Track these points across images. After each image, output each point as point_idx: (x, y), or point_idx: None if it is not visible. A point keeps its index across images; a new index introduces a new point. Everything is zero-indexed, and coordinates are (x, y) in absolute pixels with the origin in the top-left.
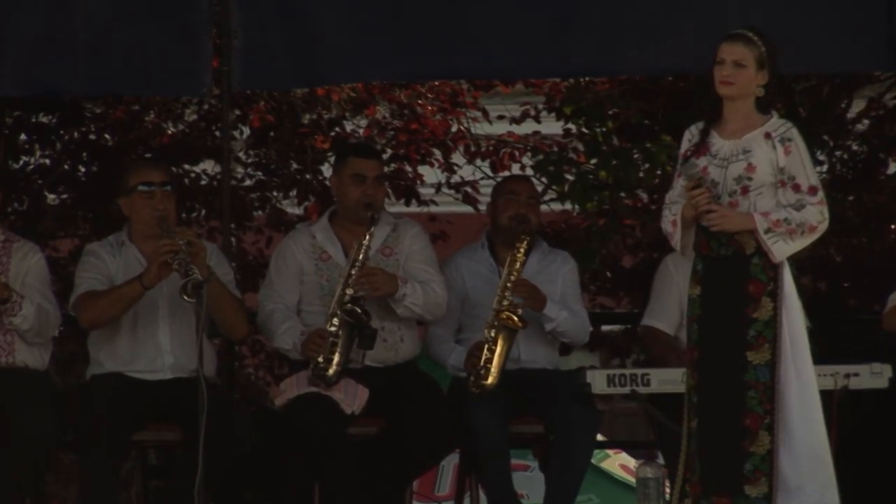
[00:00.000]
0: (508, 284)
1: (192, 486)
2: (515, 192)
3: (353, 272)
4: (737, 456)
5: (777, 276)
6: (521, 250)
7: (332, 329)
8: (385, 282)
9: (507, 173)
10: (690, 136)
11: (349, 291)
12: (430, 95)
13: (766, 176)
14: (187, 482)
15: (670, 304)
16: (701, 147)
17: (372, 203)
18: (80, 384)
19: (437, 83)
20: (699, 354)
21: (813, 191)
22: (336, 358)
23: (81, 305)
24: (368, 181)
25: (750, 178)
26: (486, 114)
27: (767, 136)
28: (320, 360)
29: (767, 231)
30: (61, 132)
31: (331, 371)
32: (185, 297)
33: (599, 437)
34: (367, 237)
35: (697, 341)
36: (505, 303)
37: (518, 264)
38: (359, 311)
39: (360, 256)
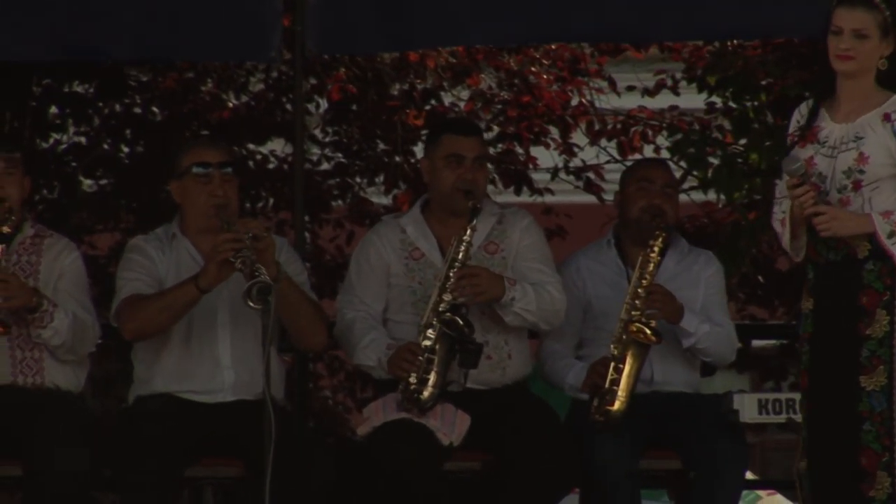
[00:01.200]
0: (639, 290)
1: None
2: (649, 179)
3: (451, 274)
4: (854, 502)
5: (894, 284)
6: (656, 249)
7: (427, 343)
8: (490, 284)
9: (637, 156)
10: (799, 116)
11: (447, 297)
12: (545, 62)
13: (881, 168)
14: None
15: None
16: (808, 132)
17: (472, 189)
18: (121, 409)
19: (553, 47)
20: (810, 381)
21: None
22: (432, 378)
23: (124, 313)
24: (467, 163)
25: (862, 171)
26: (613, 84)
27: (886, 117)
28: (412, 380)
29: (892, 235)
30: (100, 105)
31: (425, 394)
32: (250, 303)
33: (749, 476)
34: (468, 231)
35: (809, 365)
36: (635, 313)
37: (651, 266)
38: (460, 321)
39: (460, 255)
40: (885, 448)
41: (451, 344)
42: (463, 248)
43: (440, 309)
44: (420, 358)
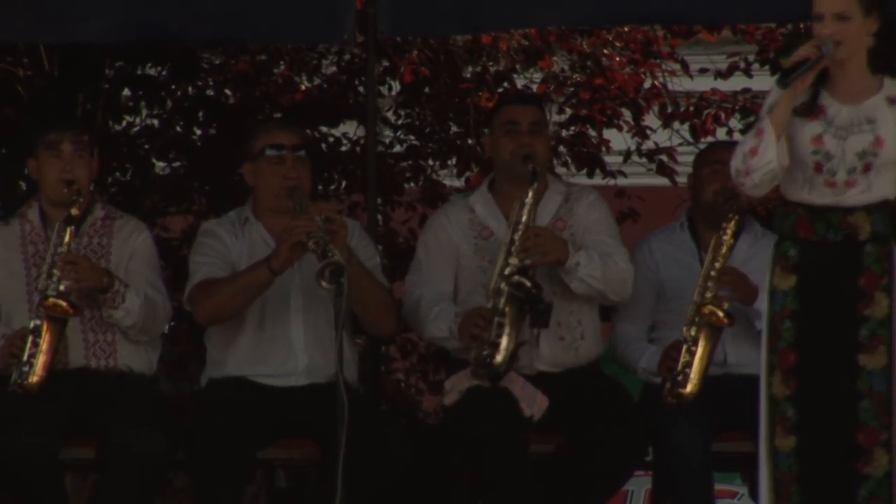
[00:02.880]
0: (712, 273)
1: None
2: (723, 161)
3: (515, 238)
4: (849, 479)
5: (892, 267)
6: (729, 232)
7: (497, 308)
8: (554, 244)
9: (710, 139)
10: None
11: (513, 261)
12: (617, 44)
13: (892, 151)
14: None
15: None
16: (814, 107)
17: (530, 154)
18: (193, 391)
19: (626, 29)
20: (797, 359)
21: None
22: (504, 342)
23: (198, 297)
24: (522, 128)
25: (875, 154)
26: (685, 66)
27: (891, 101)
28: (485, 345)
29: None
30: (172, 87)
31: (498, 358)
32: (323, 284)
33: None
34: (529, 194)
35: (794, 342)
36: (708, 295)
37: (724, 249)
38: (527, 282)
39: (523, 218)
40: (884, 426)
41: (521, 305)
42: (526, 210)
43: (506, 273)
44: (490, 322)
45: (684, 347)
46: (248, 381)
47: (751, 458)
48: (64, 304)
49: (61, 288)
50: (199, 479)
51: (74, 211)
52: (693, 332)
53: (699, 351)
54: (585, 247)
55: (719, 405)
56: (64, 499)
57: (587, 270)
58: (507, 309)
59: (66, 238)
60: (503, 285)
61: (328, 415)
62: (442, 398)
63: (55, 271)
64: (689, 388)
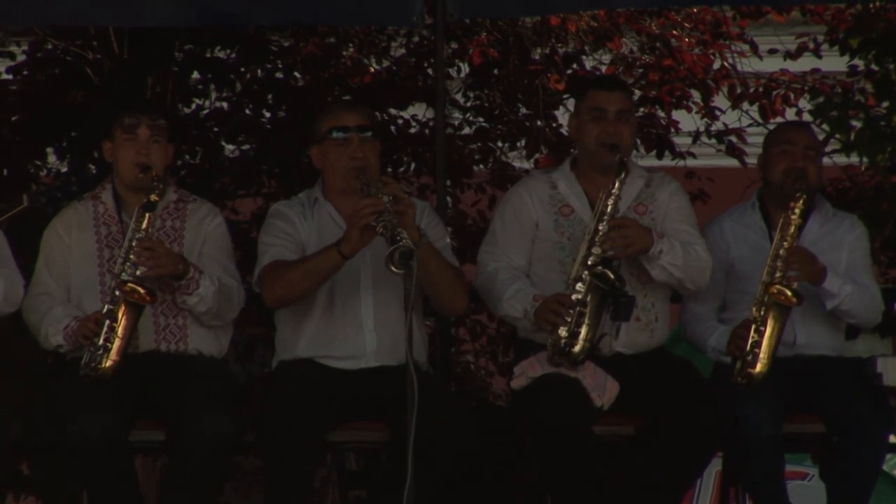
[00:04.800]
0: (781, 252)
1: (399, 497)
2: (791, 141)
3: (599, 227)
4: None
5: None
6: (797, 211)
7: (577, 297)
8: (639, 236)
9: (779, 119)
10: None
11: (596, 250)
12: (686, 25)
13: None
14: (394, 491)
15: None
16: None
17: (616, 143)
18: (263, 374)
19: (695, 10)
20: None
21: None
22: (583, 332)
23: (267, 279)
24: (609, 116)
25: None
26: (754, 47)
27: None
28: (563, 333)
29: None
30: (242, 70)
31: (577, 348)
32: (392, 268)
33: (893, 439)
34: (616, 184)
35: None
36: (777, 274)
37: (793, 228)
38: (611, 274)
39: (609, 208)
40: None
41: (603, 297)
42: (612, 201)
43: (589, 262)
44: (570, 310)
45: (753, 327)
46: (318, 364)
47: (821, 439)
48: (142, 290)
49: (138, 273)
50: (268, 462)
51: (154, 197)
52: (762, 312)
53: (767, 331)
54: (667, 235)
55: (790, 386)
56: (134, 481)
57: (669, 259)
58: (588, 299)
59: (144, 223)
60: (585, 274)
61: (398, 397)
62: (510, 381)
63: (132, 256)
64: (759, 368)
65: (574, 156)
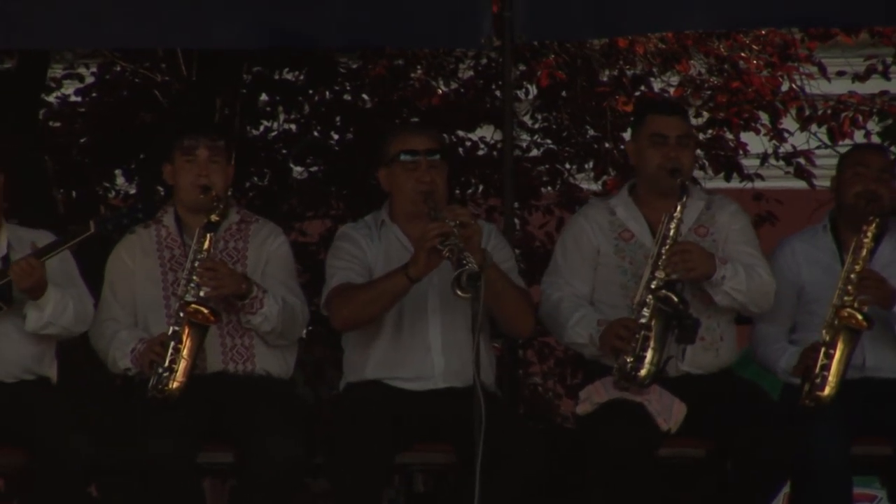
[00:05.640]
0: (852, 276)
1: None
2: (865, 164)
3: (662, 251)
4: None
5: None
6: (869, 235)
7: (642, 321)
8: (702, 260)
9: (847, 142)
10: None
11: (659, 274)
12: (755, 47)
13: None
14: None
15: None
16: None
17: (677, 168)
18: (331, 395)
19: (763, 32)
20: None
21: None
22: (649, 355)
23: (334, 303)
24: (671, 142)
25: None
26: (823, 69)
27: None
28: (629, 358)
29: None
30: (310, 92)
31: (643, 372)
32: (459, 292)
33: None
34: (678, 208)
35: None
36: (847, 298)
37: (864, 251)
38: (675, 297)
39: (671, 232)
40: None
41: (668, 320)
42: (674, 225)
43: (653, 286)
44: (635, 334)
45: (822, 350)
46: (385, 386)
47: (889, 462)
48: (205, 310)
49: (201, 294)
50: (337, 484)
51: (214, 217)
52: (831, 335)
53: (837, 354)
54: (731, 259)
55: (858, 409)
56: (202, 502)
57: (732, 284)
58: (653, 322)
59: (206, 244)
60: (649, 298)
61: (466, 418)
62: (575, 406)
63: (195, 277)
64: (827, 390)
65: (633, 182)
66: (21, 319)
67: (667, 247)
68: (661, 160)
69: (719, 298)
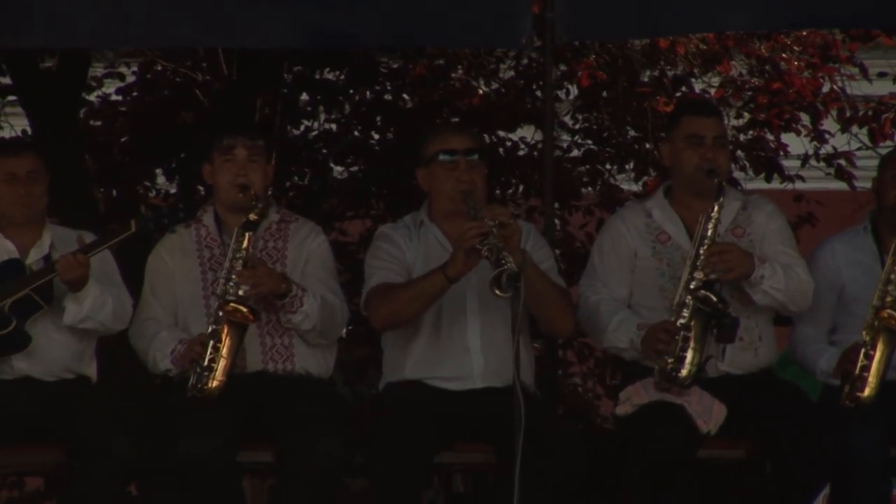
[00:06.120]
0: (892, 277)
1: None
2: None
3: (701, 251)
4: None
5: None
6: None
7: (682, 322)
8: (740, 260)
9: (888, 143)
10: None
11: (698, 275)
12: (796, 48)
13: None
14: None
15: None
16: None
17: (714, 168)
18: (371, 395)
19: (804, 33)
20: None
21: None
22: (689, 356)
23: (373, 303)
24: (707, 142)
25: None
26: (864, 70)
27: None
28: (669, 358)
29: None
30: (350, 92)
31: (683, 372)
32: (497, 292)
33: None
34: (715, 209)
35: None
36: (888, 299)
37: None
38: (713, 297)
39: (709, 232)
40: None
41: (707, 320)
42: (711, 225)
43: (692, 287)
44: (676, 336)
45: (862, 351)
46: (425, 385)
47: None
48: (244, 309)
49: (240, 293)
50: (377, 483)
51: (253, 216)
52: (871, 336)
53: (877, 355)
54: (769, 259)
55: None
56: (242, 502)
57: (771, 283)
58: (692, 323)
59: (245, 243)
60: (688, 299)
61: (505, 419)
62: (615, 407)
63: (233, 276)
64: (867, 391)
65: (668, 184)
66: (61, 319)
67: (705, 247)
68: (698, 161)
69: (758, 298)
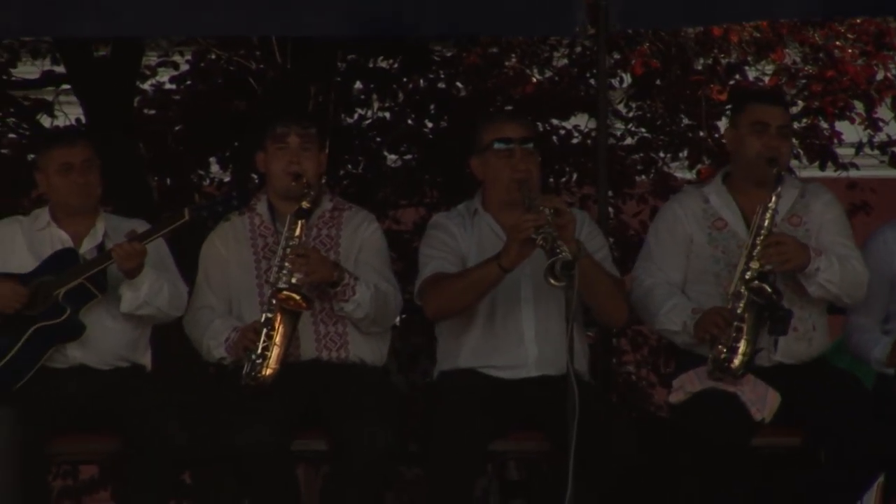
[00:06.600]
0: None
1: None
2: None
3: (757, 241)
4: None
5: None
6: None
7: (736, 311)
8: (796, 252)
9: None
10: None
11: (753, 265)
12: (850, 36)
13: None
14: (555, 502)
15: None
16: None
17: (776, 157)
18: (425, 383)
19: (858, 21)
20: None
21: None
22: (742, 346)
23: (427, 292)
24: (771, 131)
25: None
26: None
27: None
28: (722, 348)
29: None
30: (404, 80)
31: (736, 362)
32: (552, 281)
33: None
34: (774, 199)
35: None
36: None
37: None
38: (768, 288)
39: (766, 223)
40: None
41: (761, 311)
42: (769, 215)
43: (747, 277)
44: (730, 325)
45: None
46: (479, 374)
47: None
48: (297, 297)
49: (293, 281)
50: (431, 471)
51: (305, 204)
52: None
53: None
54: (825, 250)
55: None
56: (296, 490)
57: (826, 276)
58: (746, 314)
59: (297, 231)
60: (743, 289)
61: (559, 407)
62: (668, 395)
63: (286, 264)
64: None
65: (727, 169)
66: (116, 307)
67: (761, 237)
68: (760, 148)
69: (813, 290)
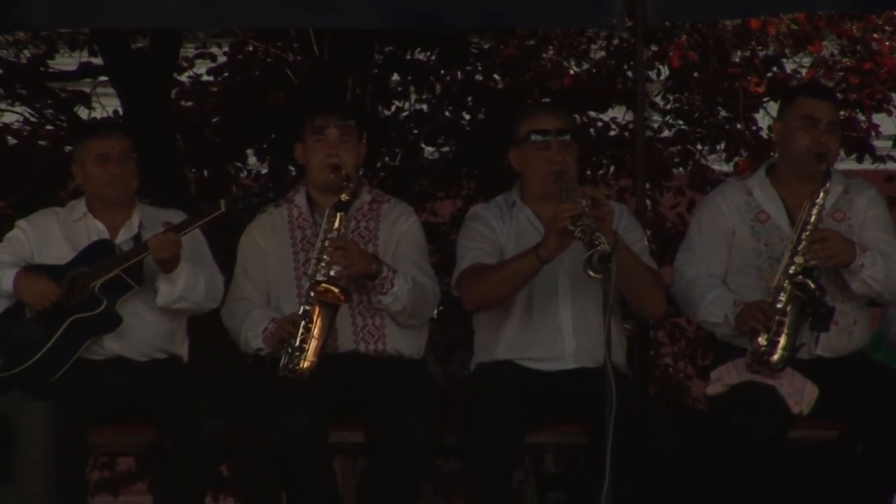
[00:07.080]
0: None
1: (598, 499)
2: None
3: (802, 237)
4: None
5: None
6: None
7: (778, 305)
8: (841, 248)
9: None
10: None
11: (798, 260)
12: (887, 28)
13: None
14: (592, 494)
15: None
16: None
17: (825, 153)
18: (462, 376)
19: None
20: None
21: None
22: (783, 340)
23: (465, 283)
24: (821, 126)
25: None
26: None
27: None
28: (762, 341)
29: None
30: (441, 72)
31: (775, 356)
32: (590, 273)
33: None
34: (821, 194)
35: None
36: None
37: None
38: (812, 284)
39: (812, 218)
40: None
41: (803, 307)
42: (815, 211)
43: (791, 272)
44: (771, 318)
45: None
46: (516, 366)
47: None
48: (336, 289)
49: (332, 273)
50: (468, 464)
51: (344, 196)
52: None
53: None
54: (869, 247)
55: None
56: (333, 482)
57: (870, 272)
58: (788, 308)
59: (336, 223)
60: (786, 284)
61: (596, 399)
62: (706, 386)
63: (325, 257)
64: None
65: (771, 161)
66: (152, 299)
67: (807, 233)
68: (810, 143)
69: (856, 286)
